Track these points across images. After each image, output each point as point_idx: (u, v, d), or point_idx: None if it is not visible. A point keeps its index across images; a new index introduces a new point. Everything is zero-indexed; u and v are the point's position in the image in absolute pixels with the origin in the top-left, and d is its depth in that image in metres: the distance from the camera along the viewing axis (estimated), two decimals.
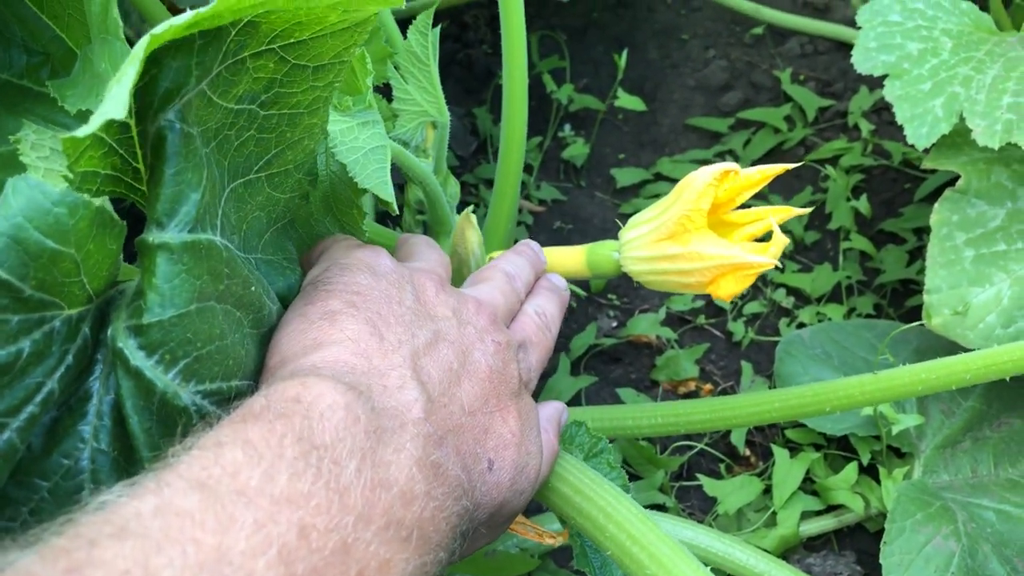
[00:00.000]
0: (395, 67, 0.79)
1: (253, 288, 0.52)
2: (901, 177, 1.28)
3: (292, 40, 0.51)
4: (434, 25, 0.77)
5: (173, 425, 0.45)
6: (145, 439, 0.45)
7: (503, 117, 0.91)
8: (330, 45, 0.53)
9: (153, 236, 0.46)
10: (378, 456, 0.43)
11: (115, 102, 0.39)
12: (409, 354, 0.51)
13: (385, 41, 0.87)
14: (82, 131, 0.39)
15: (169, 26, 0.42)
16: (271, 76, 0.51)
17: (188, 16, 0.42)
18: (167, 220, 0.46)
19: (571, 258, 0.73)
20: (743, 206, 0.66)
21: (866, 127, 1.31)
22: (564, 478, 0.60)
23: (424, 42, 0.77)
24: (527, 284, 0.67)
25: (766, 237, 0.64)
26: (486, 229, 0.94)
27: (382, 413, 0.45)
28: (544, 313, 0.64)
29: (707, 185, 0.62)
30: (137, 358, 0.45)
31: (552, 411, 0.63)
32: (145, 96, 0.46)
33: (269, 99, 0.52)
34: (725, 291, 0.62)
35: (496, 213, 0.93)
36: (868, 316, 1.13)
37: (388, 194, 0.61)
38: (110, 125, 0.41)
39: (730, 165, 0.62)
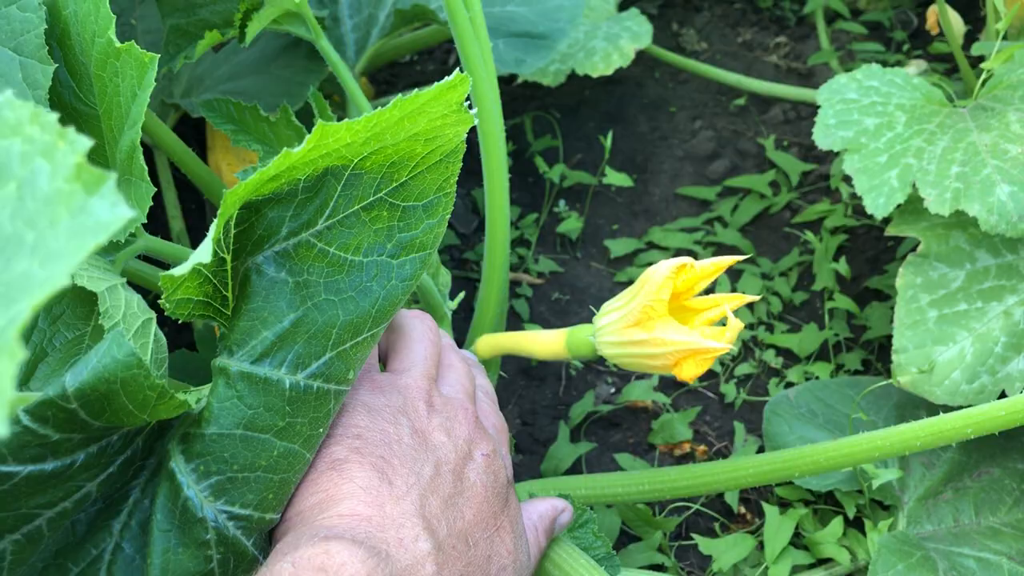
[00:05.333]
0: None
1: (321, 430, 0.54)
2: (884, 235, 1.34)
3: (395, 184, 0.55)
4: None
5: (188, 533, 0.50)
6: (160, 537, 0.50)
7: (486, 206, 0.99)
8: (430, 180, 0.56)
9: (220, 360, 0.52)
10: None
11: (204, 251, 0.44)
12: (418, 497, 0.53)
13: None
14: (177, 271, 0.45)
15: (257, 173, 0.47)
16: (388, 224, 0.55)
17: (272, 167, 0.47)
18: (236, 349, 0.52)
19: (553, 342, 0.80)
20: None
21: (846, 190, 1.38)
22: (545, 553, 0.66)
23: None
24: None
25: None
26: (478, 305, 1.01)
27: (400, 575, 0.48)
28: (487, 389, 0.69)
29: (665, 278, 0.68)
30: (177, 461, 0.51)
31: (547, 509, 0.66)
32: (242, 238, 0.52)
33: (395, 248, 0.56)
34: (687, 373, 0.69)
35: (486, 293, 0.99)
36: (856, 372, 1.18)
37: None
38: (209, 261, 0.46)
39: (685, 260, 0.69)
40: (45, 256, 0.25)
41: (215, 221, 0.46)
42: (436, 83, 0.52)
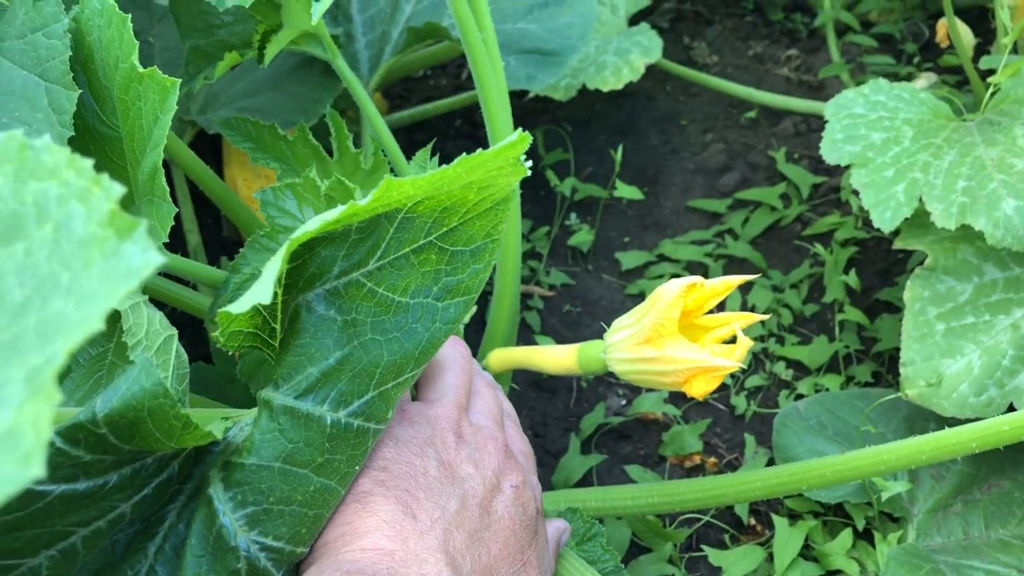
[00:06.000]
0: None
1: (357, 467, 0.55)
2: (895, 248, 1.35)
3: (445, 228, 0.56)
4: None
5: (221, 561, 0.51)
6: (192, 563, 0.51)
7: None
8: (479, 226, 0.57)
9: (266, 393, 0.53)
10: None
11: (263, 290, 0.44)
12: (442, 532, 0.52)
13: (384, 153, 0.96)
14: (234, 309, 0.45)
15: (321, 222, 0.48)
16: (436, 267, 0.56)
17: (335, 213, 0.48)
18: (282, 383, 0.53)
19: (565, 357, 0.81)
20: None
21: (856, 203, 1.38)
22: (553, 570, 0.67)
23: (423, 173, 0.86)
24: None
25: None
26: (490, 319, 1.02)
27: None
28: (510, 413, 0.69)
29: (675, 296, 0.70)
30: (216, 488, 0.52)
31: (552, 531, 0.66)
32: (295, 274, 0.53)
33: (441, 291, 0.57)
34: (697, 390, 0.70)
35: (498, 307, 1.00)
36: (867, 384, 1.19)
37: None
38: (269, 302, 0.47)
39: (695, 279, 0.70)
40: (80, 297, 0.27)
41: (276, 262, 0.47)
42: (499, 143, 0.52)
